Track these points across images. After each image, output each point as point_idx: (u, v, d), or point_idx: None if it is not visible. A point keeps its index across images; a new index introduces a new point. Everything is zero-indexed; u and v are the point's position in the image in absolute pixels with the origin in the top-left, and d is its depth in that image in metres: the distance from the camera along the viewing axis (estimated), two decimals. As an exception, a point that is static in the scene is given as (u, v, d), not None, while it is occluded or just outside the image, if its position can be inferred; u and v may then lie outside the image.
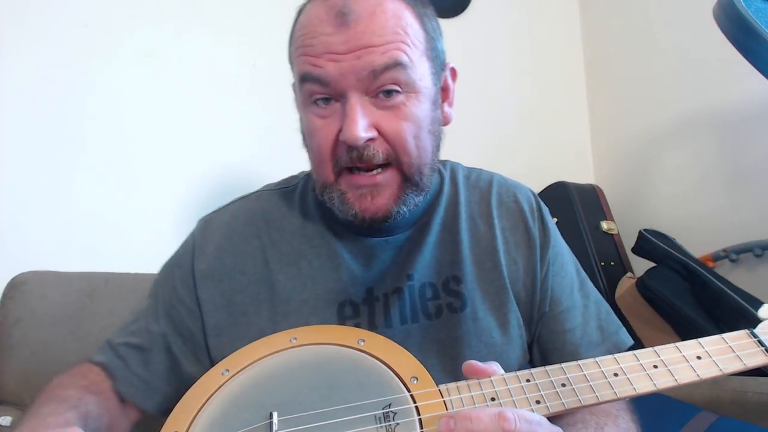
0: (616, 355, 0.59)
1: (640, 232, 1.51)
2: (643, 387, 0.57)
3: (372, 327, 0.71)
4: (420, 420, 0.53)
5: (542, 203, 0.81)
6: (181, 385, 0.70)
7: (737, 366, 0.60)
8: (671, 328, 1.41)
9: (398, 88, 0.66)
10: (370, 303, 0.72)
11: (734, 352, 0.61)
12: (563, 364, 0.58)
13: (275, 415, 0.56)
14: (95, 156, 1.31)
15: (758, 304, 1.31)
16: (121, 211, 1.33)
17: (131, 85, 1.36)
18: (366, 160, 0.66)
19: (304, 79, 0.67)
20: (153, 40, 1.39)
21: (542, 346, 0.76)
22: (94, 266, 1.19)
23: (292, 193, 0.81)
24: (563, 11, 2.06)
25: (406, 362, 0.60)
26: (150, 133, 1.38)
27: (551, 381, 0.56)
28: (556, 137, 1.98)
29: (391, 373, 0.58)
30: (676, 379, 0.57)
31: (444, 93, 0.75)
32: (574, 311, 0.77)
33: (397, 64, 0.65)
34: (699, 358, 0.60)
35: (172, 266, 0.78)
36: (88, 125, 1.31)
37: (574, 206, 1.72)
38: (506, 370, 0.58)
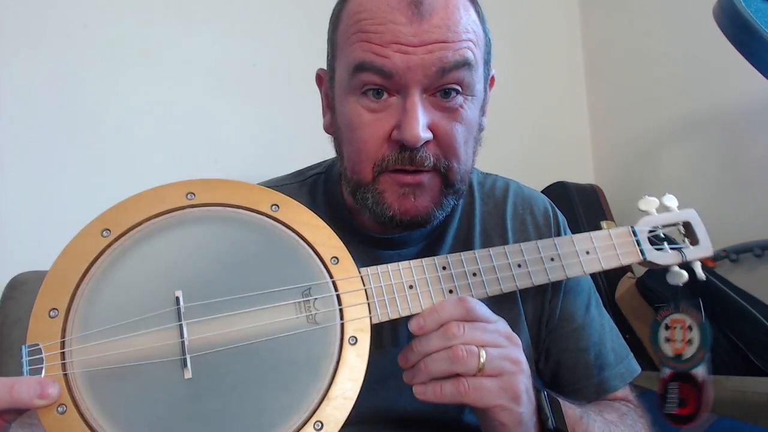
0: (522, 245, 0.62)
1: (640, 232, 1.51)
2: (539, 280, 0.62)
3: (378, 345, 0.67)
4: (341, 310, 0.52)
5: (560, 214, 0.78)
6: None
7: (615, 263, 0.66)
8: (671, 328, 1.41)
9: (459, 88, 0.61)
10: None
11: (616, 249, 0.66)
12: (477, 252, 0.60)
13: (181, 297, 0.49)
14: (95, 156, 1.31)
15: (759, 304, 1.32)
16: (121, 211, 1.32)
17: (131, 85, 1.36)
18: (417, 164, 0.60)
19: (361, 68, 0.59)
20: (153, 40, 1.39)
21: (552, 365, 0.73)
22: (94, 266, 1.18)
23: (297, 191, 0.76)
24: (563, 11, 2.05)
25: (326, 238, 0.55)
26: (150, 133, 1.37)
27: (465, 271, 0.58)
28: (556, 137, 1.98)
29: (310, 250, 0.54)
30: (566, 274, 0.63)
31: (484, 101, 0.71)
32: (590, 329, 0.73)
33: (466, 64, 0.60)
34: (588, 253, 0.65)
35: None
36: (88, 125, 1.31)
37: (574, 206, 1.72)
38: None
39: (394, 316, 0.54)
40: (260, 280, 0.51)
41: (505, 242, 0.73)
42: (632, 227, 0.68)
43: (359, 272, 0.54)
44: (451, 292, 0.57)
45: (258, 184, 0.78)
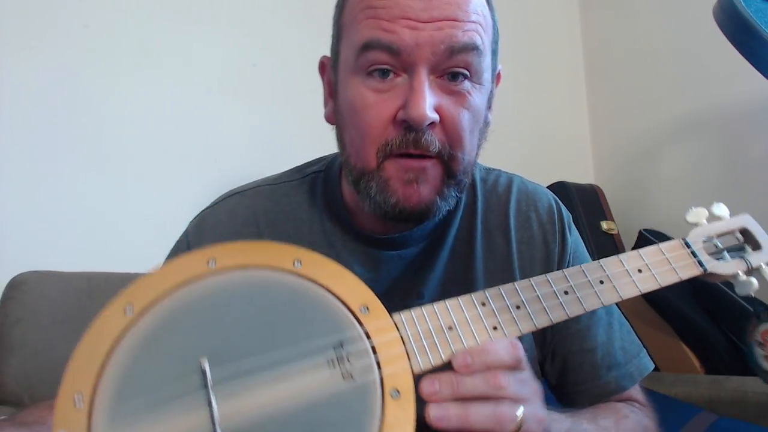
0: (565, 271, 0.58)
1: (640, 232, 1.51)
2: (591, 305, 0.57)
3: None
4: (378, 362, 0.48)
5: (564, 211, 0.75)
6: None
7: (673, 279, 0.61)
8: (671, 328, 1.41)
9: (467, 73, 0.59)
10: None
11: (671, 264, 0.61)
12: (517, 283, 0.56)
13: (206, 364, 0.47)
14: (95, 155, 1.31)
15: (759, 304, 1.32)
16: (121, 210, 1.33)
17: (131, 85, 1.36)
18: (422, 147, 0.58)
19: (369, 46, 0.58)
20: (153, 41, 1.39)
21: (558, 366, 0.72)
22: (94, 266, 1.18)
23: (296, 189, 0.74)
24: (563, 11, 2.06)
25: (353, 287, 0.52)
26: (150, 132, 1.37)
27: (507, 305, 0.54)
28: (556, 137, 1.98)
29: (338, 302, 0.51)
30: (620, 295, 0.58)
31: (491, 94, 0.68)
32: (596, 329, 0.71)
33: (475, 47, 0.58)
34: (640, 271, 0.60)
35: None
36: (88, 125, 1.31)
37: (574, 206, 1.72)
38: None
39: (436, 362, 0.50)
40: (289, 338, 0.49)
41: (507, 242, 0.71)
42: (684, 239, 0.63)
43: (392, 318, 0.51)
44: (495, 329, 0.53)
45: (255, 182, 0.78)
